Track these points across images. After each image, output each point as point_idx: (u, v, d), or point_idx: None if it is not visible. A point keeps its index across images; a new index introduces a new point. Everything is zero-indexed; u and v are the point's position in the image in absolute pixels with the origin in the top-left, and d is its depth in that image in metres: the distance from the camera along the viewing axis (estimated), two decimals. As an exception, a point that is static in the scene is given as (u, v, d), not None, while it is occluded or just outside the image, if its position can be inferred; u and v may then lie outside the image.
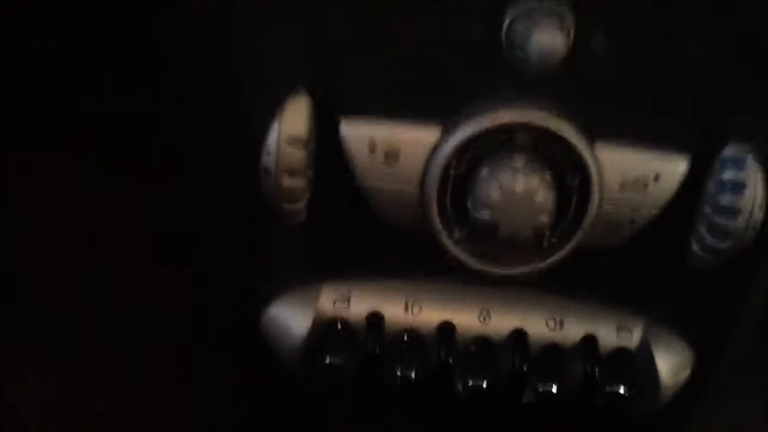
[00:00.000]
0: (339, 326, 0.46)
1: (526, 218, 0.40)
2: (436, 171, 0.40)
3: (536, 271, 0.43)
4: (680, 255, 0.44)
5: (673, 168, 0.41)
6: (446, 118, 0.40)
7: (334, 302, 0.46)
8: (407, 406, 0.51)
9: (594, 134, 0.40)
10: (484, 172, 0.39)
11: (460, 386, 0.45)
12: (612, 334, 0.46)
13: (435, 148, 0.40)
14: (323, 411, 0.53)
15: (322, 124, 0.41)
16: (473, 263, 0.42)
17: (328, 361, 0.45)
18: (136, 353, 0.60)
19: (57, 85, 0.58)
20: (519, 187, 0.39)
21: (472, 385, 0.45)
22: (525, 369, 0.45)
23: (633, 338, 0.47)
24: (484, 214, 0.40)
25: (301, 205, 0.42)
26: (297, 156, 0.40)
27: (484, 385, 0.45)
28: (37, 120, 0.59)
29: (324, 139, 0.41)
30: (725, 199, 0.40)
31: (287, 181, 0.40)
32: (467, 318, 0.46)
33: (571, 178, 0.40)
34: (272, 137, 0.40)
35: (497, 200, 0.39)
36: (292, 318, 0.46)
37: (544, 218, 0.40)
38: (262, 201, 0.42)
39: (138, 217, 0.61)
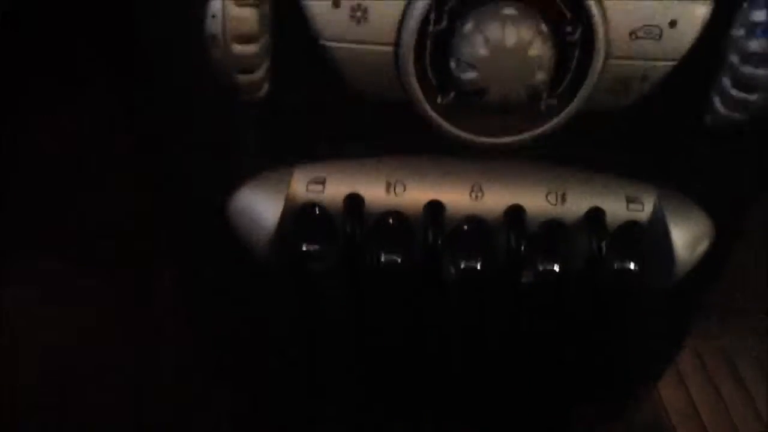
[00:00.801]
0: (315, 211, 0.41)
1: (518, 76, 0.34)
2: (412, 26, 0.33)
3: (533, 138, 0.37)
4: (698, 115, 0.38)
5: (693, 11, 0.35)
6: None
7: (307, 185, 0.41)
8: (392, 296, 0.47)
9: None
10: (468, 25, 0.33)
11: (452, 270, 0.41)
12: (621, 206, 0.41)
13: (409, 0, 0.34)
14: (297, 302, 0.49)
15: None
16: (460, 133, 0.37)
17: (304, 248, 0.40)
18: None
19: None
20: (509, 40, 0.33)
21: (464, 268, 0.40)
22: (522, 247, 0.40)
23: (645, 210, 0.42)
24: (470, 75, 0.34)
25: (258, 75, 0.36)
26: (247, 17, 0.34)
27: (478, 267, 0.40)
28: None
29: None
30: (755, 45, 0.34)
31: (238, 48, 0.34)
32: (457, 196, 0.41)
33: (570, 28, 0.34)
34: (216, -4, 0.34)
35: (484, 57, 0.33)
36: (261, 204, 0.41)
37: (541, 75, 0.34)
38: (213, 74, 0.36)
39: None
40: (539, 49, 0.33)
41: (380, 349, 0.53)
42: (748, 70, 0.35)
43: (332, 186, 0.41)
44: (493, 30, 0.33)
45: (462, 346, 0.52)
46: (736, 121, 0.37)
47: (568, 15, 0.34)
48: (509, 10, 0.33)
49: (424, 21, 0.34)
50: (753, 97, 0.35)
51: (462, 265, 0.41)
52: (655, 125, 0.40)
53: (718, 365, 0.78)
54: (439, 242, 0.40)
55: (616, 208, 0.41)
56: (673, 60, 0.36)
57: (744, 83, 0.35)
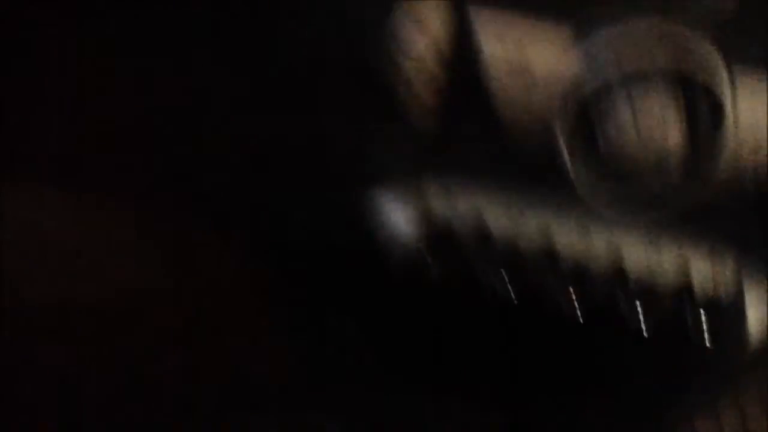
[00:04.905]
0: (445, 227, 0.46)
1: (657, 155, 0.39)
2: (571, 105, 0.39)
3: (666, 213, 0.43)
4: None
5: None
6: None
7: (443, 201, 0.46)
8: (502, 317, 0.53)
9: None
10: (620, 112, 0.39)
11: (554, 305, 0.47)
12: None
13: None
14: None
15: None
16: (602, 208, 0.43)
17: (430, 260, 0.46)
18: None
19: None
20: (657, 129, 0.38)
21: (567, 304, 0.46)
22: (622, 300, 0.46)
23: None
24: (613, 149, 0.40)
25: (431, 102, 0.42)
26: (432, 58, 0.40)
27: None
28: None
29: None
30: None
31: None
32: (567, 235, 0.46)
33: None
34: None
35: (626, 139, 0.39)
36: (397, 214, 0.47)
37: (676, 155, 0.39)
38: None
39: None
40: (683, 135, 0.39)
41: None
42: None
43: (462, 206, 0.46)
44: (642, 119, 0.38)
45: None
46: None
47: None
48: (657, 99, 0.38)
49: (582, 102, 0.39)
50: None
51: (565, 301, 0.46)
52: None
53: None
54: (549, 280, 0.46)
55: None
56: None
57: None
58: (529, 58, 0.40)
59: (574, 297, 0.46)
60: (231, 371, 0.62)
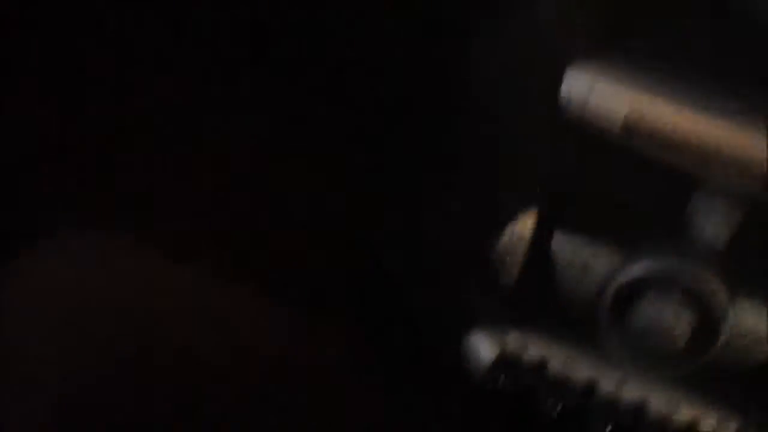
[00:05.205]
0: (516, 362, 0.64)
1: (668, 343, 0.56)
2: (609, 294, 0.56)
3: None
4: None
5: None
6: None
7: (518, 344, 0.64)
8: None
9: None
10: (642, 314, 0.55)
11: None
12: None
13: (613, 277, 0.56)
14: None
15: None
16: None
17: (502, 384, 0.64)
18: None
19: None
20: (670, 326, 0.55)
21: None
22: None
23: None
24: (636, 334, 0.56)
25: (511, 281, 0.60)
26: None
27: None
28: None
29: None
30: None
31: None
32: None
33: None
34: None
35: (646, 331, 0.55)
36: (485, 347, 0.65)
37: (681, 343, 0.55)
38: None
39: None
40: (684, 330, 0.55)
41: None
42: None
43: (532, 350, 0.64)
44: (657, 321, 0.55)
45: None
46: None
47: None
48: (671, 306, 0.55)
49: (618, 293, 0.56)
50: None
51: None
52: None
53: None
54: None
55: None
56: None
57: None
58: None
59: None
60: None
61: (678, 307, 0.54)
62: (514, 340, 0.65)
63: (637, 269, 0.54)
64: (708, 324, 0.54)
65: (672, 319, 0.54)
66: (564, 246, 0.57)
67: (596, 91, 0.49)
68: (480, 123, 0.61)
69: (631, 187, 0.53)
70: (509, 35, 0.58)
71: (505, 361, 0.65)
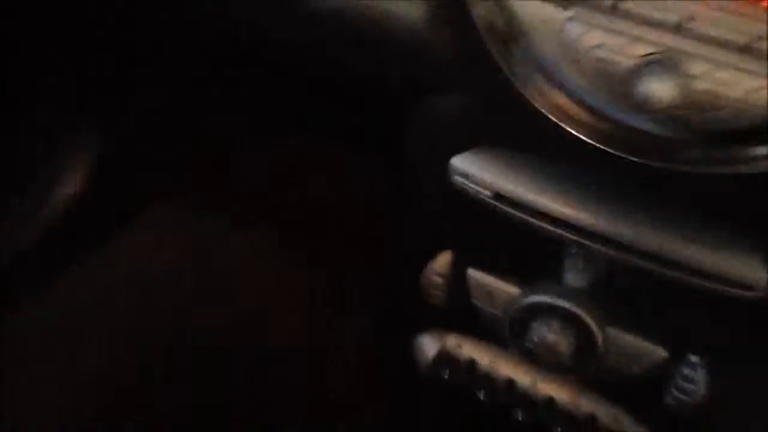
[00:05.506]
0: (452, 359, 0.79)
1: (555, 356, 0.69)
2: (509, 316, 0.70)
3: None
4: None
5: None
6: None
7: (454, 344, 0.79)
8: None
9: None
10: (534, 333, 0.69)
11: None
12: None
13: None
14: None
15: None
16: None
17: (442, 379, 0.79)
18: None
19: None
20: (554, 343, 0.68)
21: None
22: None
23: None
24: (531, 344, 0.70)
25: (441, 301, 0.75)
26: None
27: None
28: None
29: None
30: None
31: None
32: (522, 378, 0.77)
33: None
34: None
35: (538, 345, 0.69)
36: (428, 346, 0.80)
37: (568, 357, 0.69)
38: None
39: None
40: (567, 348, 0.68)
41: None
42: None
43: (467, 350, 0.78)
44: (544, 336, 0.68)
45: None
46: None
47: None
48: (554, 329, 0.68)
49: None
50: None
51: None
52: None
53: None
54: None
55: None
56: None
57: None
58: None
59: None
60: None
61: (559, 330, 0.67)
62: (450, 340, 0.79)
63: (527, 300, 0.68)
64: (585, 343, 0.67)
65: (555, 338, 0.67)
66: (475, 278, 0.71)
67: (473, 171, 0.63)
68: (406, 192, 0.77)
69: (522, 240, 0.66)
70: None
71: (444, 358, 0.79)
